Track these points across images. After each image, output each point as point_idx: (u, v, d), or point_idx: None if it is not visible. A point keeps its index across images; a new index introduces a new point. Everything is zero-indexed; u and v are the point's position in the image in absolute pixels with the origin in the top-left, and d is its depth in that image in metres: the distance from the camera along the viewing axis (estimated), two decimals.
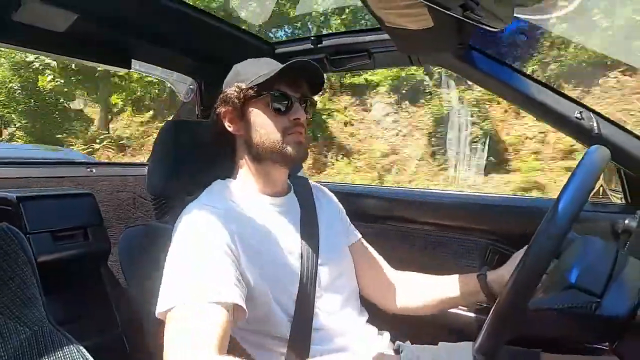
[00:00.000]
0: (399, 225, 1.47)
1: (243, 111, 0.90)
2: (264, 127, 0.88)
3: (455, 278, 1.01)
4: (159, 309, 0.71)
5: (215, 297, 0.70)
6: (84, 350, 0.68)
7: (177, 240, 0.79)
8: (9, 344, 0.64)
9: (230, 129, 0.92)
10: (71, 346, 0.67)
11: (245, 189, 0.92)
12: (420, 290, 1.05)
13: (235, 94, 0.88)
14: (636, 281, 0.60)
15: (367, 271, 1.08)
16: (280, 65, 0.88)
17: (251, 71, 0.90)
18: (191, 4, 1.22)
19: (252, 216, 0.86)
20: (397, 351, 0.99)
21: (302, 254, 0.89)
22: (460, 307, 1.31)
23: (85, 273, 1.33)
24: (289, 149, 0.87)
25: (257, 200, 0.91)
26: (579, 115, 1.05)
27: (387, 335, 1.01)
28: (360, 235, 1.11)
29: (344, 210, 1.13)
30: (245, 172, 0.93)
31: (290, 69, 0.86)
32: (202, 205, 0.85)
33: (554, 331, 0.63)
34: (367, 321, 1.01)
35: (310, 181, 1.10)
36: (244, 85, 0.88)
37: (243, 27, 1.41)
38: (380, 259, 1.11)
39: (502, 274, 0.93)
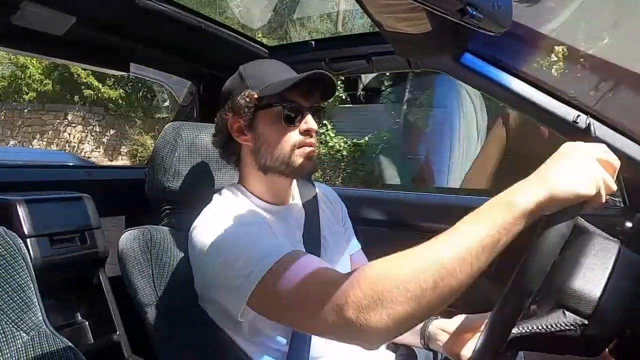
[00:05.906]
0: (397, 229, 1.47)
1: (252, 121, 0.86)
2: (274, 139, 0.85)
3: None
4: (250, 283, 0.68)
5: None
6: (81, 355, 0.68)
7: (217, 232, 0.76)
8: (6, 349, 0.63)
9: (238, 139, 0.89)
10: (69, 351, 0.67)
11: (252, 196, 0.90)
12: None
13: (245, 102, 0.83)
14: (626, 296, 0.60)
15: None
16: (293, 74, 0.87)
17: (260, 77, 0.86)
18: (189, 7, 1.23)
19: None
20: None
21: None
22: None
23: (83, 277, 1.32)
24: (299, 162, 0.85)
25: (262, 208, 0.89)
26: (576, 118, 1.06)
27: None
28: (359, 247, 1.09)
29: (347, 216, 1.10)
30: (251, 180, 0.90)
31: (306, 79, 0.82)
32: (221, 209, 0.84)
33: (540, 349, 0.63)
34: None
35: (316, 183, 1.07)
36: (255, 94, 0.83)
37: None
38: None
39: (445, 327, 0.90)
